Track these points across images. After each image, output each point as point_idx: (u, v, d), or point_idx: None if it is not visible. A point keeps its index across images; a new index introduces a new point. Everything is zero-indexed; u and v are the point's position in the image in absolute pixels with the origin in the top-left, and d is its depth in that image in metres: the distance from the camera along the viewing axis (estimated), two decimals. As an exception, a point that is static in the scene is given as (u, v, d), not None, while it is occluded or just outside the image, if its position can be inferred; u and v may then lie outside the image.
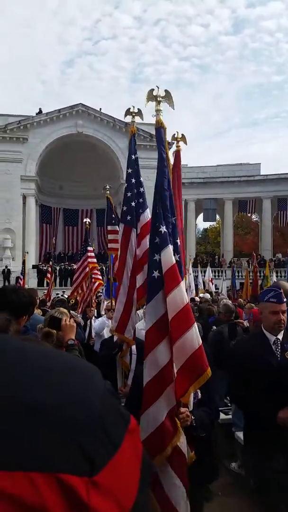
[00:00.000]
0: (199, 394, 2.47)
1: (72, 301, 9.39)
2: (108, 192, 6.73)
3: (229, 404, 5.00)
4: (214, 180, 30.62)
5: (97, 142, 28.32)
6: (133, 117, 3.67)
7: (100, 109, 28.42)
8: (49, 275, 14.31)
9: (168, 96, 2.61)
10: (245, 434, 3.05)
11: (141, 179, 3.92)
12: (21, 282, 14.57)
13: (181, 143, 3.54)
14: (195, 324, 2.34)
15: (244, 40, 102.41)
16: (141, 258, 3.63)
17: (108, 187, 6.87)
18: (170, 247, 2.37)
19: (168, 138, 2.84)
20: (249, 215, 35.58)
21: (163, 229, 2.38)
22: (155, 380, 2.23)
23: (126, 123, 27.51)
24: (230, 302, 7.63)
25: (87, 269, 8.25)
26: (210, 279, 19.60)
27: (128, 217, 3.75)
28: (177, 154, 3.54)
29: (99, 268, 8.54)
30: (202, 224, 40.55)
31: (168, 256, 2.34)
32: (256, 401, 2.74)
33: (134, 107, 3.65)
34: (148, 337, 2.34)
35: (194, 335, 2.26)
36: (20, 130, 26.62)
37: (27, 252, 22.76)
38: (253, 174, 30.56)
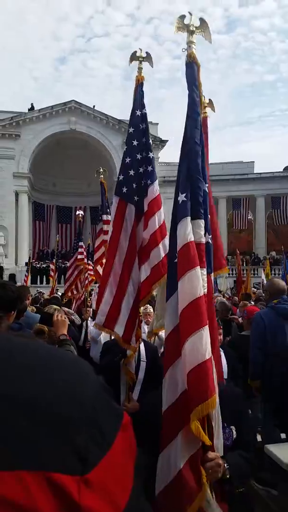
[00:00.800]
0: (234, 432, 1.89)
1: (64, 300, 8.99)
2: (102, 176, 5.83)
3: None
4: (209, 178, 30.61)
5: (90, 139, 28.23)
6: (140, 62, 3.04)
7: (94, 106, 28.34)
8: (52, 273, 14.03)
9: (203, 27, 2.00)
10: None
11: (150, 141, 3.15)
12: (25, 279, 14.82)
13: (208, 110, 2.99)
14: (207, 328, 1.74)
15: (237, 39, 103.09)
16: (147, 244, 2.98)
17: (101, 170, 5.94)
18: (188, 219, 1.85)
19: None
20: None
21: (182, 197, 1.87)
22: (176, 406, 1.72)
23: (119, 121, 27.50)
24: (225, 300, 7.70)
25: (82, 266, 7.98)
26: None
27: (124, 189, 3.03)
28: (204, 121, 2.75)
29: (89, 264, 8.20)
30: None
31: (183, 230, 1.83)
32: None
33: (141, 50, 3.05)
34: (168, 345, 1.85)
35: (203, 342, 1.69)
36: (12, 126, 26.45)
37: (30, 250, 22.69)
38: (247, 172, 30.68)
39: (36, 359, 0.48)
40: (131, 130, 3.06)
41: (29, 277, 16.34)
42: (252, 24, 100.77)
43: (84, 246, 8.42)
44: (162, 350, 5.21)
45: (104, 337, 5.19)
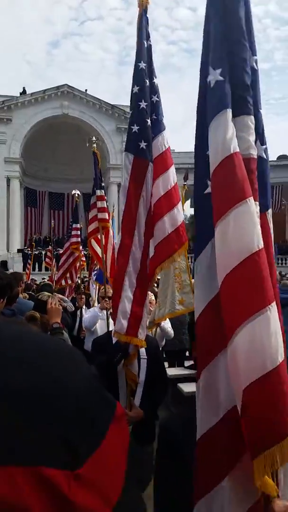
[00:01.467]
0: None
1: (56, 288, 8.64)
2: (95, 145, 4.94)
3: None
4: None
5: (82, 124, 27.80)
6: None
7: (86, 90, 27.83)
8: (48, 260, 12.82)
9: None
10: None
11: (155, 80, 2.57)
12: (29, 267, 14.42)
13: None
14: (275, 307, 1.07)
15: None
16: (154, 212, 2.49)
17: (94, 139, 5.05)
18: (229, 113, 1.14)
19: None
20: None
21: (216, 76, 1.16)
22: (218, 432, 1.07)
23: (112, 105, 27.07)
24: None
25: (76, 254, 7.49)
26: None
27: (142, 144, 2.39)
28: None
29: (82, 250, 7.72)
30: (189, 210, 40.55)
31: (221, 135, 1.12)
32: None
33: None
34: (201, 333, 1.18)
35: (270, 331, 1.02)
36: (3, 110, 25.92)
37: (35, 237, 22.39)
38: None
39: (25, 349, 0.46)
40: (143, 65, 2.46)
41: (31, 265, 15.95)
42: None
43: (79, 227, 7.73)
44: (163, 343, 4.95)
45: (100, 326, 4.91)
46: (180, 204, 2.62)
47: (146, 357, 2.60)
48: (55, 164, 29.55)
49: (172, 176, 2.61)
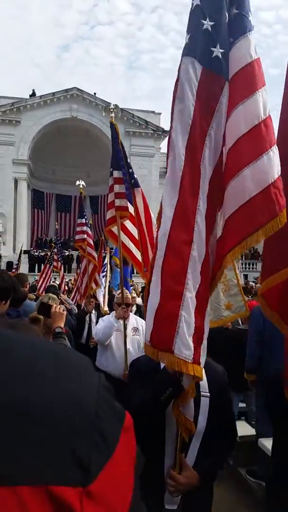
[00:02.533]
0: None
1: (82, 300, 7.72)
2: (113, 115, 4.17)
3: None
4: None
5: (91, 127, 27.95)
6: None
7: (95, 93, 28.00)
8: (55, 263, 11.94)
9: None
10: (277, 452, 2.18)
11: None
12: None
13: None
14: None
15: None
16: (229, 163, 1.64)
17: (113, 106, 4.34)
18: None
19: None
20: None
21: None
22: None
23: (121, 109, 27.17)
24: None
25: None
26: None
27: (217, 51, 1.58)
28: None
29: (92, 244, 6.77)
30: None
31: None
32: None
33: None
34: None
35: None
36: (13, 112, 26.14)
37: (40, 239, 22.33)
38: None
39: (32, 355, 0.44)
40: None
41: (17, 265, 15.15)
42: (259, 15, 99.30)
43: (85, 223, 6.90)
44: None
45: (115, 340, 3.99)
46: (275, 147, 1.62)
47: (208, 394, 1.71)
48: (63, 167, 29.71)
49: (262, 103, 1.63)
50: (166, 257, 1.54)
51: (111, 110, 4.18)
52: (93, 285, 6.77)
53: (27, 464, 0.36)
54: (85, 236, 6.74)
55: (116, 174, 4.12)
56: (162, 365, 1.65)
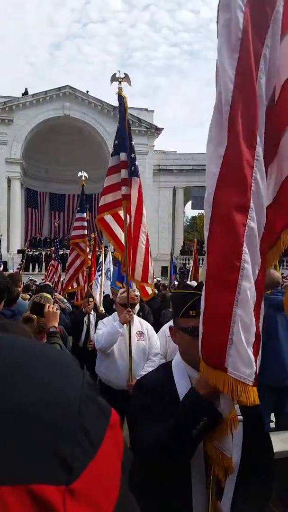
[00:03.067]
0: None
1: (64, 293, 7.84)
2: (121, 85, 3.56)
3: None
4: (203, 168, 30.26)
5: (84, 125, 27.85)
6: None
7: (87, 91, 27.88)
8: (53, 262, 11.46)
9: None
10: None
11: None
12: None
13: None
14: None
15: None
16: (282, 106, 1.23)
17: (123, 75, 3.58)
18: None
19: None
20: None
21: None
22: None
23: (114, 107, 27.08)
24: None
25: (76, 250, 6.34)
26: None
27: None
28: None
29: (88, 241, 6.44)
30: (190, 212, 40.59)
31: None
32: None
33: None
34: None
35: None
36: (5, 111, 25.98)
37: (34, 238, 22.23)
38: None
39: (14, 354, 0.43)
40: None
41: (10, 264, 15.02)
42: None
43: (85, 218, 6.54)
44: None
45: (118, 347, 3.45)
46: None
47: (241, 417, 1.28)
48: (56, 165, 29.60)
49: None
50: (211, 232, 1.11)
51: (120, 80, 3.50)
52: (74, 284, 6.59)
53: (8, 464, 0.35)
54: (85, 232, 6.24)
55: (123, 156, 3.58)
56: (182, 383, 1.27)
